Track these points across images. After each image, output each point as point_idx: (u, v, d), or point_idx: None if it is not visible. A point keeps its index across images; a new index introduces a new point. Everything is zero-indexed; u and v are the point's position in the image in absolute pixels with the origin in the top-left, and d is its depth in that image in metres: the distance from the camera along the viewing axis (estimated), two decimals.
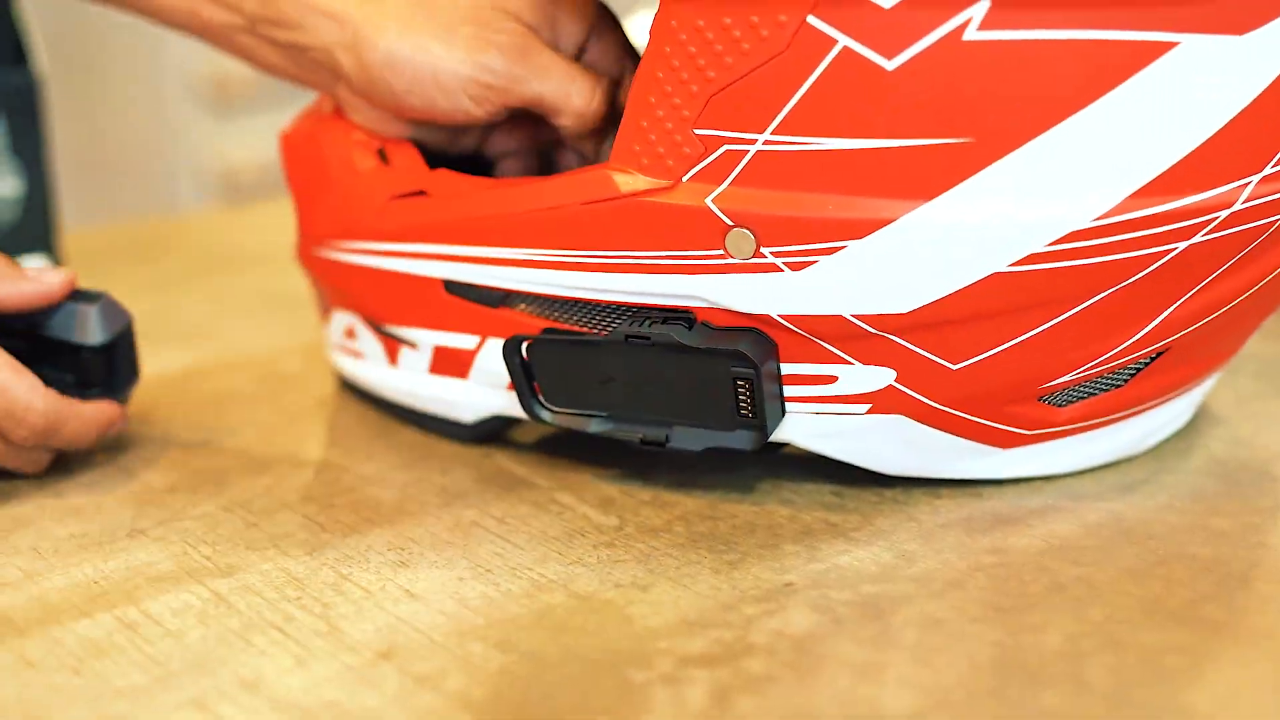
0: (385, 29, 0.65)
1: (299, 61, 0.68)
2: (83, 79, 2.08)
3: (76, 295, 0.67)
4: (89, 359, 0.67)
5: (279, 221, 0.86)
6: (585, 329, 0.62)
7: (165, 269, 1.01)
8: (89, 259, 0.97)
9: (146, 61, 2.06)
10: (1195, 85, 0.52)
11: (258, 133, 1.98)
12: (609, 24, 0.67)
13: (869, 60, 0.53)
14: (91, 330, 0.67)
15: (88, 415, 0.66)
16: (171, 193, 2.10)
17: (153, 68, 2.07)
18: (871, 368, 0.58)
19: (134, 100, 2.11)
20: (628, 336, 0.60)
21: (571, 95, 0.64)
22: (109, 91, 2.12)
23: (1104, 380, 0.60)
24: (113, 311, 0.67)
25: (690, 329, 0.59)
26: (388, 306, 0.68)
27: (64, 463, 0.68)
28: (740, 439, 0.60)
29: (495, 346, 0.64)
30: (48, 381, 0.65)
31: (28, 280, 0.66)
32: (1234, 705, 0.49)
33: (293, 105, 0.74)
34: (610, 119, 0.66)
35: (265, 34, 0.68)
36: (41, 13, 1.13)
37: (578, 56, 0.67)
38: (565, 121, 0.65)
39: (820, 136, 0.54)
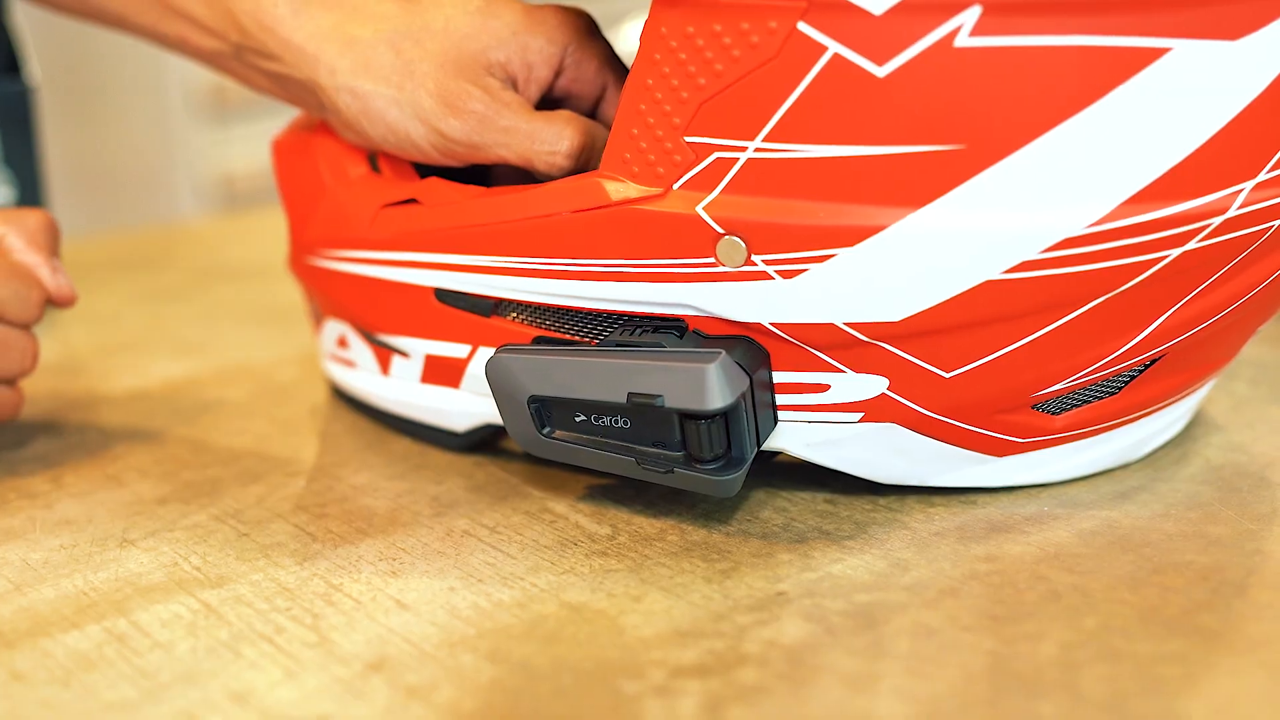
0: (359, 77, 0.65)
1: (286, 88, 0.68)
2: (80, 88, 2.09)
3: (690, 354, 0.57)
4: (704, 429, 0.57)
5: (275, 231, 0.86)
6: (577, 337, 0.62)
7: (161, 280, 1.01)
8: (87, 270, 0.97)
9: (144, 70, 2.06)
10: (1188, 91, 0.52)
11: (256, 140, 1.98)
12: (590, 39, 0.67)
13: (859, 67, 0.52)
14: (710, 393, 0.56)
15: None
16: (170, 201, 2.10)
17: (150, 76, 2.07)
18: (864, 376, 0.58)
19: (132, 108, 2.11)
20: (619, 345, 0.60)
21: (533, 160, 0.63)
22: (107, 100, 2.12)
23: (1098, 388, 0.60)
24: (732, 370, 0.56)
25: (681, 337, 0.59)
26: (379, 315, 0.68)
27: (55, 474, 0.68)
28: None
29: (487, 355, 0.64)
30: (649, 460, 0.58)
31: None
32: (1230, 715, 0.48)
33: (290, 112, 0.74)
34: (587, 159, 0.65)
35: (251, 62, 0.68)
36: (39, 22, 1.12)
37: (555, 77, 0.66)
38: (535, 174, 0.65)
39: (811, 144, 0.54)
